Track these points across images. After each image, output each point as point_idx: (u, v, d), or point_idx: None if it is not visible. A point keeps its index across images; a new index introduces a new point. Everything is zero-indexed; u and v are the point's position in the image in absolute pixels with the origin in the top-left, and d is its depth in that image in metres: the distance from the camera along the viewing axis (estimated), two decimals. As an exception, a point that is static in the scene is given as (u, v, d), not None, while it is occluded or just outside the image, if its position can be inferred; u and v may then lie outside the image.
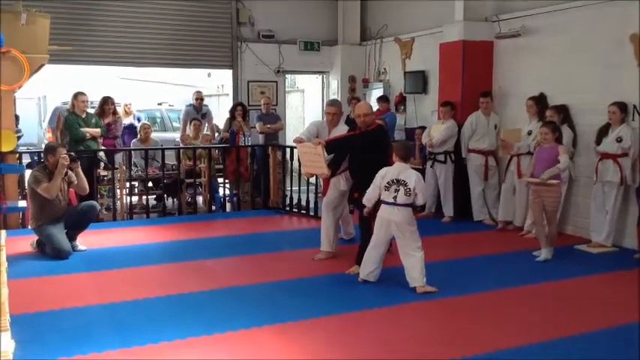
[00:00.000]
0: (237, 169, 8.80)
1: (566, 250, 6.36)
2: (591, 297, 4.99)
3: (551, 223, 6.14)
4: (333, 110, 6.08)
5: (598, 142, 6.45)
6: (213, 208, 8.70)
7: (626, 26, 6.37)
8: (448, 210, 8.00)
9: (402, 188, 4.90)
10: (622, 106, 6.25)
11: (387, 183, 4.97)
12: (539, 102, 7.17)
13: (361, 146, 5.52)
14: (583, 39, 6.88)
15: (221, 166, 9.02)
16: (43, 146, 7.65)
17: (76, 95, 8.07)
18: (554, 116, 6.69)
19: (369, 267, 5.17)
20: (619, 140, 6.24)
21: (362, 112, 5.64)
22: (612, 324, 4.33)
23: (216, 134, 9.82)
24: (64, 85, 12.29)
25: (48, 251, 6.04)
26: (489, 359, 3.73)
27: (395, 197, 4.93)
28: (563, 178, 6.43)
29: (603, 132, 6.41)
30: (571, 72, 7.01)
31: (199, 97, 9.66)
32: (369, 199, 5.13)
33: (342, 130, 5.99)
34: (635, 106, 6.25)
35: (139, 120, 9.56)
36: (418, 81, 9.44)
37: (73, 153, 6.56)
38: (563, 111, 6.84)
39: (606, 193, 6.40)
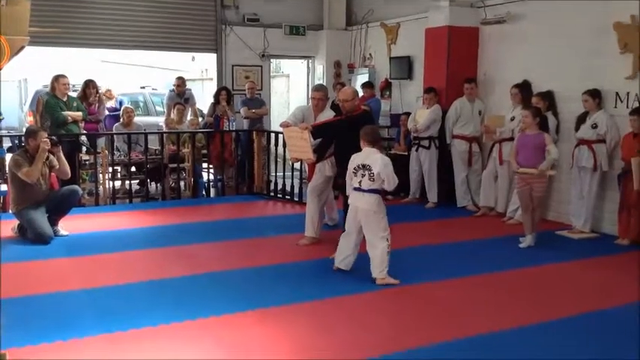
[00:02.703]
0: (221, 154, 8.75)
1: (548, 236, 6.43)
2: (571, 282, 5.06)
3: (537, 208, 6.19)
4: (318, 95, 6.06)
5: (577, 128, 6.53)
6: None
7: (610, 14, 6.39)
8: (432, 196, 8.04)
9: (367, 173, 4.82)
10: (594, 93, 6.35)
11: (354, 168, 4.89)
12: (524, 89, 7.20)
13: (347, 131, 5.50)
14: (567, 26, 6.91)
15: (205, 151, 8.96)
16: (24, 130, 7.53)
17: (57, 78, 7.93)
18: (539, 103, 6.74)
19: (340, 254, 5.12)
20: (594, 126, 6.34)
21: (344, 97, 5.62)
22: (591, 309, 4.39)
23: (200, 119, 9.75)
24: (45, 68, 12.09)
25: (29, 236, 5.98)
26: (470, 343, 3.77)
27: (360, 182, 4.86)
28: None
29: (582, 119, 6.50)
30: (555, 59, 7.04)
31: (180, 84, 9.54)
32: (347, 187, 5.08)
33: (327, 115, 5.97)
34: (637, 95, 6.26)
35: (121, 104, 9.45)
36: (403, 66, 9.43)
37: (54, 137, 6.48)
38: (548, 98, 6.89)
39: (582, 179, 6.49)
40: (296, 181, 8.31)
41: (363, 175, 4.85)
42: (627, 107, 6.24)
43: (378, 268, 4.82)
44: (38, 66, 13.17)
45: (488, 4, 7.94)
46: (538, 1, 7.26)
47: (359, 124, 5.51)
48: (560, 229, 6.73)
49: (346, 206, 5.51)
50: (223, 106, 9.12)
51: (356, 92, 5.89)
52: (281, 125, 5.92)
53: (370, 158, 4.85)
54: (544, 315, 4.24)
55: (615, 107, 6.39)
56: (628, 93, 6.28)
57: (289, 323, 4.04)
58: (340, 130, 5.61)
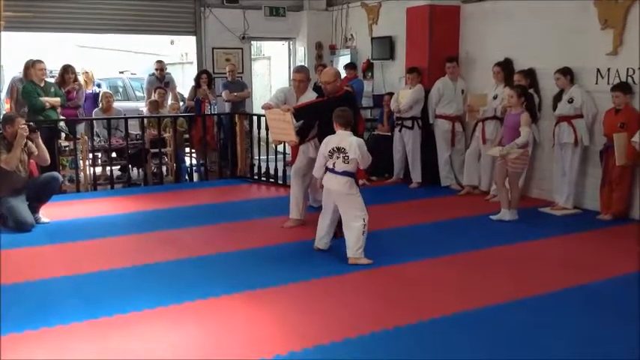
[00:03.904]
0: (203, 138, 8.66)
1: (531, 213, 6.49)
2: (555, 258, 5.11)
3: (511, 186, 6.27)
4: (299, 77, 6.00)
5: (554, 107, 6.59)
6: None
7: (590, -10, 6.41)
8: (416, 176, 8.06)
9: (341, 156, 4.85)
10: (565, 71, 6.44)
11: (330, 151, 4.92)
12: (505, 67, 7.21)
13: (330, 112, 5.46)
14: (548, 3, 6.90)
15: (187, 136, 8.87)
16: (1, 117, 7.38)
17: (34, 63, 7.75)
18: (521, 80, 6.77)
19: (318, 234, 5.19)
20: (570, 101, 6.41)
21: (326, 79, 5.58)
22: (576, 283, 4.44)
23: (181, 103, 9.64)
24: (20, 54, 11.85)
25: (10, 224, 5.89)
26: (457, 319, 3.80)
27: (334, 164, 4.89)
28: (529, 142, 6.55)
29: (558, 97, 6.58)
30: (536, 37, 7.05)
31: (160, 67, 9.43)
32: (317, 168, 5.10)
33: (309, 96, 5.92)
34: (618, 71, 6.27)
35: (99, 86, 9.28)
36: (385, 47, 9.38)
37: (32, 123, 6.36)
38: (530, 75, 6.91)
39: (564, 156, 6.55)
40: (280, 164, 8.26)
41: (338, 158, 4.88)
42: (608, 83, 6.28)
43: (353, 248, 4.85)
44: (13, 52, 12.89)
45: (469, -18, 7.91)
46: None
47: (341, 105, 5.48)
48: (543, 206, 6.79)
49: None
50: (204, 90, 9.01)
51: (338, 73, 5.84)
52: (263, 107, 5.87)
53: (345, 141, 4.87)
54: (529, 290, 4.28)
55: (596, 83, 6.43)
56: (609, 69, 6.32)
57: (275, 304, 4.03)
58: (323, 112, 5.56)
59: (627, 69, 6.15)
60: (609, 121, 6.10)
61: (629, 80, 6.12)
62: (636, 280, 4.51)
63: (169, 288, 4.31)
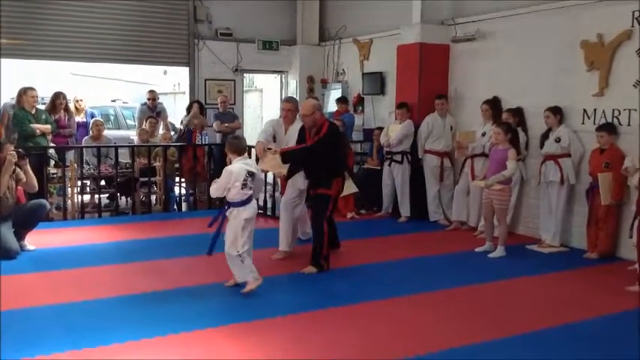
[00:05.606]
0: (193, 167, 8.67)
1: (518, 250, 6.51)
2: (541, 296, 5.10)
3: (500, 222, 6.34)
4: (288, 106, 6.06)
5: (541, 145, 6.69)
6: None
7: (577, 32, 6.56)
8: (405, 210, 8.08)
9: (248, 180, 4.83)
10: (555, 110, 6.56)
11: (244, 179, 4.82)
12: (494, 105, 7.32)
13: (315, 157, 5.48)
14: (536, 43, 7.06)
15: (178, 165, 8.87)
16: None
17: (25, 90, 7.80)
18: (509, 119, 6.86)
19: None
20: (557, 140, 6.51)
21: (304, 112, 5.58)
22: (563, 322, 4.43)
23: (172, 132, 9.68)
24: (13, 80, 11.88)
25: (-6, 251, 5.82)
26: (443, 356, 3.77)
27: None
28: (514, 179, 6.62)
29: (545, 136, 6.68)
30: (524, 76, 7.18)
31: (152, 97, 9.50)
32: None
33: (297, 127, 5.92)
34: (604, 111, 6.38)
35: (92, 116, 9.30)
36: (376, 82, 9.51)
37: (21, 149, 6.35)
38: (518, 114, 7.02)
39: (550, 194, 6.61)
40: (269, 195, 8.26)
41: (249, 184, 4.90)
42: (594, 123, 6.38)
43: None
44: (6, 79, 12.90)
45: (458, 22, 8.07)
46: (507, 17, 7.40)
47: (327, 146, 5.48)
48: (530, 243, 6.81)
49: (314, 220, 5.55)
50: (196, 114, 9.06)
51: (317, 105, 5.72)
52: (256, 149, 5.88)
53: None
54: (517, 328, 4.26)
55: (583, 123, 6.54)
56: (595, 110, 6.43)
57: (261, 338, 3.99)
58: (308, 157, 5.56)
59: (613, 110, 6.26)
60: (595, 161, 6.18)
61: (615, 121, 6.23)
62: (626, 318, 4.51)
63: (154, 319, 4.26)
